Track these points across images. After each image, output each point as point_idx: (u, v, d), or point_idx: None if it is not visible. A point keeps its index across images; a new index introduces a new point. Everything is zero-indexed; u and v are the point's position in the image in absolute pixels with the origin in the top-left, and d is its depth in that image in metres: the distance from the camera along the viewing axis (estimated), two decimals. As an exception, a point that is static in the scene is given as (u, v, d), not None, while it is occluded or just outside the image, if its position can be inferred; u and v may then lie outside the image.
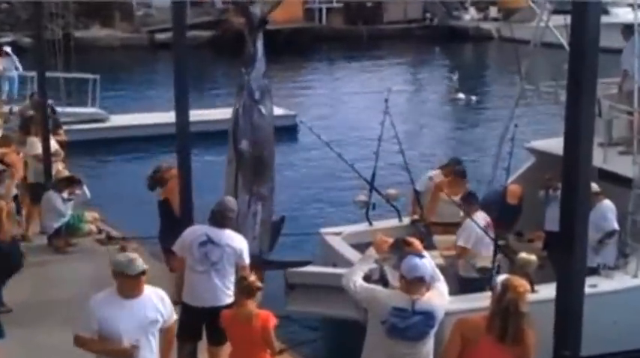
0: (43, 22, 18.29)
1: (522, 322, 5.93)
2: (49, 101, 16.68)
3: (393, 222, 12.91)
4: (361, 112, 27.37)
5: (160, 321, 6.66)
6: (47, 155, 14.10)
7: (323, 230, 12.78)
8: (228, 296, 8.30)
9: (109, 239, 13.24)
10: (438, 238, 11.90)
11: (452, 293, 10.76)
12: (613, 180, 11.50)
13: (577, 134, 5.73)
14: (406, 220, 12.87)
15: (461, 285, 10.85)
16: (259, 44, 10.58)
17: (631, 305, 10.68)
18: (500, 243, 11.18)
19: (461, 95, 30.73)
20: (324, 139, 13.01)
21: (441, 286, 6.74)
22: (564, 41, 12.34)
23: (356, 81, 35.92)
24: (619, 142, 12.58)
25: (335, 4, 49.10)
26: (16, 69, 24.89)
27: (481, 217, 10.94)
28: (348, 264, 11.20)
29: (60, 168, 14.14)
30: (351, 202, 13.43)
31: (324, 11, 48.62)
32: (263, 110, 10.57)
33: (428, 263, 6.62)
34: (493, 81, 37.16)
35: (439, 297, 6.65)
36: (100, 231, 13.38)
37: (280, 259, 10.86)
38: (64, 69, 24.19)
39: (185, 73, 9.71)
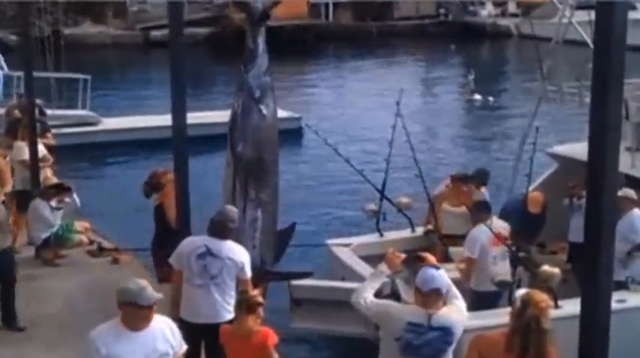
0: (30, 19, 18.34)
1: (544, 340, 5.92)
2: (38, 102, 16.71)
3: (406, 232, 12.91)
4: (370, 115, 27.41)
5: (170, 354, 6.41)
6: (35, 160, 14.12)
7: (330, 241, 12.78)
8: (228, 312, 8.28)
9: (101, 250, 13.22)
10: (453, 250, 11.88)
11: (467, 308, 10.87)
12: (641, 187, 11.48)
13: (603, 138, 5.72)
14: (419, 231, 12.86)
15: (473, 300, 10.84)
16: (260, 39, 10.48)
17: (662, 322, 10.64)
18: (521, 255, 11.17)
19: (477, 96, 30.75)
20: (330, 144, 13.02)
21: (459, 302, 6.74)
22: (588, 38, 12.34)
23: (365, 81, 35.96)
24: (648, 147, 12.57)
25: (342, -1, 49.25)
26: (1, 68, 24.94)
27: (486, 229, 10.92)
28: (357, 277, 11.20)
29: (48, 175, 14.17)
30: (360, 211, 13.44)
31: (330, 7, 48.75)
32: (264, 110, 10.47)
33: (444, 275, 6.62)
34: (512, 81, 37.19)
35: (457, 312, 6.65)
36: (91, 242, 13.35)
37: (280, 270, 10.82)
38: (53, 68, 24.27)
39: (182, 72, 9.70)
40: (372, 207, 12.91)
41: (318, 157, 20.76)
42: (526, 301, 6.01)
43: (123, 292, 6.15)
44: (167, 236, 11.07)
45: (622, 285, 10.69)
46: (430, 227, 12.57)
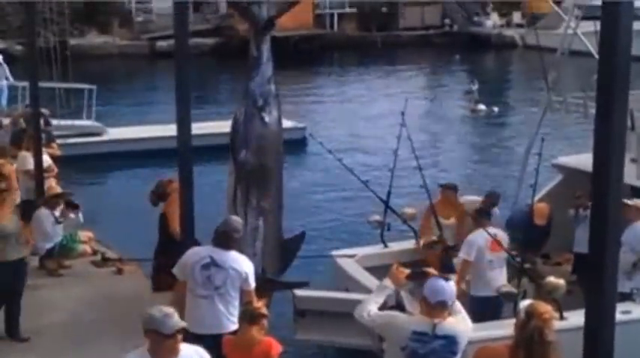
0: (36, 29, 18.37)
1: (548, 352, 5.89)
2: (44, 112, 16.72)
3: (410, 243, 12.88)
4: (375, 125, 27.42)
5: None
6: (39, 171, 14.13)
7: (335, 252, 12.77)
8: (232, 323, 8.27)
9: (105, 260, 13.21)
10: (456, 261, 11.87)
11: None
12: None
13: (607, 149, 5.70)
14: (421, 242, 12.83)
15: (472, 306, 10.83)
16: (264, 48, 10.49)
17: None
18: (526, 266, 11.16)
19: (481, 106, 30.73)
20: (335, 154, 13.01)
21: (464, 315, 6.74)
22: (593, 49, 12.32)
23: (369, 91, 35.97)
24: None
25: (347, 10, 49.26)
26: (6, 79, 25.00)
27: (484, 233, 10.97)
28: (361, 288, 11.19)
29: (52, 185, 14.16)
30: (365, 222, 13.41)
31: (335, 17, 48.78)
32: (266, 118, 10.46)
33: (453, 287, 6.62)
34: (516, 91, 37.18)
35: (462, 323, 6.65)
36: (94, 252, 13.34)
37: (276, 279, 10.76)
38: (58, 78, 24.31)
39: (187, 82, 9.71)
40: (377, 217, 12.91)
41: (323, 167, 20.77)
42: (529, 312, 5.98)
43: (146, 319, 5.88)
44: (169, 245, 11.11)
45: (627, 297, 10.66)
46: (434, 238, 12.53)
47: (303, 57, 40.91)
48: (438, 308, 6.48)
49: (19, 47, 35.98)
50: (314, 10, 47.35)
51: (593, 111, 6.27)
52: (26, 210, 13.47)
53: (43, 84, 17.78)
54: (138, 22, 46.21)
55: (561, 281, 10.11)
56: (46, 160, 14.56)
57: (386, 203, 12.74)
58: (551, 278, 10.21)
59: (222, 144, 10.71)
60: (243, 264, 8.45)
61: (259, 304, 7.63)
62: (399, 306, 8.35)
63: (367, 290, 10.77)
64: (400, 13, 50.09)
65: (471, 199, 13.22)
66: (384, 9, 49.72)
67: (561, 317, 10.05)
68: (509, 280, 11.21)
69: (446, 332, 6.45)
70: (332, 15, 48.73)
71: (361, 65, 42.85)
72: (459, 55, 45.52)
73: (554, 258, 12.86)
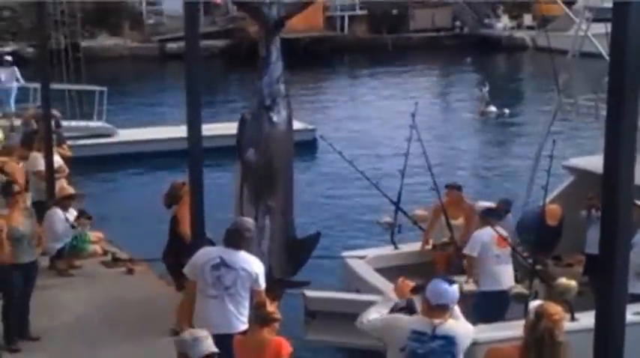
0: (47, 31, 18.44)
1: (559, 353, 5.88)
2: (55, 113, 16.78)
3: (421, 245, 12.87)
4: (386, 127, 27.42)
5: None
6: (50, 171, 14.19)
7: (345, 253, 12.78)
8: (242, 323, 8.29)
9: (115, 260, 13.26)
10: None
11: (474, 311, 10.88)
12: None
13: (618, 150, 5.71)
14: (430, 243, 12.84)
15: (479, 300, 10.89)
16: (274, 48, 10.51)
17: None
18: (538, 268, 11.17)
19: (492, 108, 30.69)
20: (345, 156, 13.02)
21: (463, 320, 6.74)
22: (604, 51, 12.33)
23: (380, 93, 35.97)
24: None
25: (358, 12, 49.25)
26: (17, 80, 25.08)
27: (489, 230, 11.09)
28: (372, 289, 11.20)
29: (64, 185, 14.20)
30: (375, 224, 13.43)
31: (346, 19, 48.75)
32: (274, 118, 10.47)
33: (456, 290, 6.60)
34: (527, 94, 37.15)
35: (463, 325, 6.65)
36: (105, 253, 13.39)
37: (283, 278, 10.75)
38: (70, 80, 24.38)
39: (197, 84, 9.74)
40: (387, 219, 12.93)
41: (333, 169, 20.77)
42: (539, 313, 5.98)
43: (178, 341, 5.93)
44: (177, 246, 11.17)
45: (638, 298, 10.64)
46: (445, 239, 12.53)
47: (313, 59, 40.91)
48: (438, 310, 6.47)
49: (30, 49, 36.15)
50: (324, 12, 47.31)
51: (604, 113, 6.27)
52: (37, 211, 13.54)
53: (54, 85, 17.86)
54: (148, 24, 46.28)
55: (573, 283, 10.11)
56: (57, 161, 14.61)
57: (396, 204, 12.75)
58: (563, 280, 10.21)
59: (233, 146, 10.72)
60: (253, 264, 8.46)
61: (272, 308, 7.60)
62: (410, 308, 8.33)
63: (377, 292, 10.79)
64: (410, 15, 50.04)
65: (484, 206, 13.21)
66: (394, 11, 49.67)
67: (572, 319, 10.05)
68: (521, 281, 11.22)
69: (445, 332, 6.43)
70: (342, 17, 48.67)
71: (372, 67, 42.83)
72: (470, 57, 45.50)
73: (566, 260, 12.85)
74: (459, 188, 12.94)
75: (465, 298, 11.13)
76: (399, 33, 49.22)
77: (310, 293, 11.26)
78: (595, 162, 11.40)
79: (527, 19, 50.40)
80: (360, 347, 11.12)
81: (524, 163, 19.67)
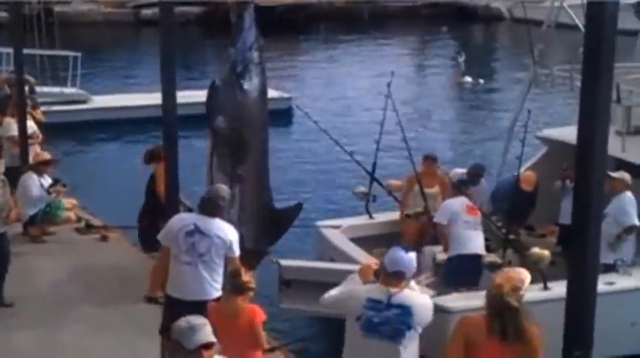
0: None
1: (519, 319, 5.89)
2: (30, 78, 16.63)
3: (395, 214, 12.92)
4: (361, 96, 27.40)
5: None
6: (24, 137, 14.10)
7: (320, 223, 12.80)
8: (215, 290, 8.30)
9: (89, 227, 13.22)
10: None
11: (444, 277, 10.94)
12: (631, 171, 11.51)
13: (592, 120, 5.73)
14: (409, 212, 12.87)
15: (447, 266, 10.95)
16: (247, 15, 10.34)
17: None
18: (511, 237, 11.24)
19: (468, 78, 30.77)
20: (321, 126, 13.01)
21: (421, 292, 6.76)
22: (579, 22, 12.34)
23: (356, 62, 35.92)
24: (639, 131, 12.59)
25: (334, -21, 49.00)
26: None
27: (460, 199, 11.21)
28: (346, 259, 11.24)
29: (38, 151, 14.10)
30: (350, 193, 13.45)
31: (322, -14, 48.49)
32: (245, 85, 10.30)
33: (413, 259, 6.58)
34: (503, 64, 37.19)
35: (420, 296, 6.63)
36: (79, 219, 13.34)
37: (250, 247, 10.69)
38: (43, 45, 24.15)
39: (172, 51, 9.66)
40: (362, 189, 12.95)
41: (308, 138, 20.76)
42: (496, 281, 6.03)
43: (174, 327, 5.37)
44: (152, 205, 11.16)
45: (611, 268, 10.76)
46: (418, 209, 12.57)
47: (289, 27, 40.70)
48: (394, 277, 6.44)
49: (3, 14, 35.61)
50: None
51: (578, 84, 6.30)
52: (11, 177, 13.44)
53: (27, 51, 17.69)
54: (123, -10, 45.90)
55: (546, 252, 10.19)
56: (31, 127, 14.51)
57: (371, 174, 12.78)
58: (536, 249, 10.30)
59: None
60: (227, 231, 8.46)
61: (247, 277, 7.61)
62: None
63: (352, 261, 10.84)
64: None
65: (458, 172, 13.27)
66: (371, -21, 49.49)
67: (545, 288, 10.15)
68: (494, 251, 11.30)
69: (401, 301, 6.38)
70: (319, -16, 48.43)
71: (348, 36, 42.69)
72: (446, 26, 45.44)
73: (539, 230, 12.93)
74: (434, 159, 12.94)
75: (439, 267, 11.35)
76: (376, 2, 49.04)
77: (285, 261, 11.27)
78: (568, 133, 11.48)
79: (504, -12, 50.36)
80: (334, 315, 11.16)
81: (499, 133, 19.74)
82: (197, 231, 8.35)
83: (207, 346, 5.20)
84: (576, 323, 5.99)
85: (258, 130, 10.59)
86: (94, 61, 30.48)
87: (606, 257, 10.21)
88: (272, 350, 8.84)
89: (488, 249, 11.23)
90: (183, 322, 5.29)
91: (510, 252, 11.10)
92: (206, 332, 5.23)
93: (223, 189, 8.83)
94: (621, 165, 11.57)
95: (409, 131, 13.48)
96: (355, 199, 13.30)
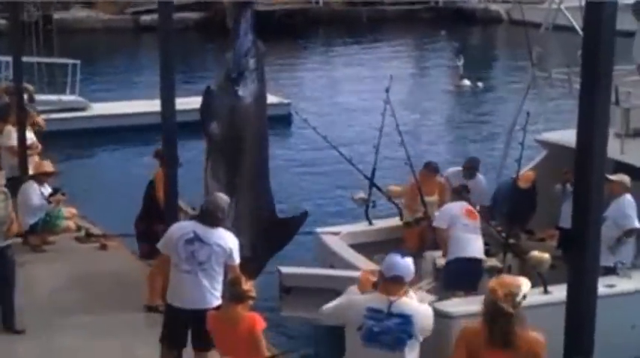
0: (20, 3, 18.22)
1: (511, 325, 5.79)
2: (29, 87, 16.60)
3: (395, 221, 12.88)
4: (360, 101, 27.36)
5: None
6: (23, 146, 14.06)
7: (320, 229, 12.76)
8: (215, 298, 8.27)
9: (88, 236, 13.20)
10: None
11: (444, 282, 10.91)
12: (630, 174, 11.49)
13: (591, 123, 5.71)
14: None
15: (447, 271, 10.91)
16: (243, 21, 10.30)
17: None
18: (511, 241, 11.22)
19: (466, 82, 30.75)
20: (320, 132, 12.98)
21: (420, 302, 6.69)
22: (577, 25, 12.33)
23: (355, 66, 35.89)
24: (638, 133, 12.56)
25: (333, -16, 48.98)
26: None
27: (459, 203, 11.23)
28: (346, 265, 11.21)
29: (42, 161, 14.02)
30: (350, 199, 13.41)
31: (321, -9, 48.49)
32: (240, 91, 10.26)
33: (410, 264, 6.53)
34: (501, 67, 37.18)
35: (420, 305, 6.54)
36: (78, 228, 13.32)
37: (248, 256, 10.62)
38: (42, 53, 24.12)
39: (171, 57, 9.67)
40: (361, 195, 12.91)
41: (307, 144, 20.72)
42: (491, 287, 5.96)
43: None
44: (150, 211, 11.13)
45: (611, 271, 10.73)
46: (419, 215, 12.52)
47: (288, 32, 40.70)
48: (392, 284, 6.38)
49: (2, 21, 35.62)
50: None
51: (577, 86, 6.27)
52: (10, 188, 13.39)
53: (26, 58, 17.65)
54: (122, -4, 45.91)
55: (546, 256, 10.16)
56: (30, 138, 14.45)
57: (371, 180, 12.75)
58: (536, 253, 10.26)
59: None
60: (227, 239, 8.42)
61: (248, 286, 7.56)
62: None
63: (352, 267, 10.82)
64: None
65: (454, 170, 13.25)
66: (369, -17, 49.49)
67: (545, 292, 10.12)
68: (494, 255, 11.26)
69: (401, 310, 6.32)
70: (317, -11, 48.43)
71: (347, 40, 42.71)
72: (445, 29, 45.41)
73: (539, 234, 12.88)
74: (436, 169, 12.85)
75: (439, 273, 11.32)
76: (374, 5, 49.03)
77: (285, 269, 11.25)
78: (568, 136, 11.44)
79: (502, -9, 50.35)
80: (334, 322, 11.13)
81: (498, 136, 19.76)
82: (197, 239, 8.32)
83: None
84: (577, 327, 5.96)
85: (254, 137, 10.50)
86: (93, 68, 30.46)
87: (606, 260, 10.18)
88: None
89: (488, 253, 11.19)
90: None
91: (510, 256, 11.07)
92: None
93: (222, 198, 8.72)
94: (620, 167, 11.55)
95: (408, 136, 13.45)
96: (354, 205, 13.25)
